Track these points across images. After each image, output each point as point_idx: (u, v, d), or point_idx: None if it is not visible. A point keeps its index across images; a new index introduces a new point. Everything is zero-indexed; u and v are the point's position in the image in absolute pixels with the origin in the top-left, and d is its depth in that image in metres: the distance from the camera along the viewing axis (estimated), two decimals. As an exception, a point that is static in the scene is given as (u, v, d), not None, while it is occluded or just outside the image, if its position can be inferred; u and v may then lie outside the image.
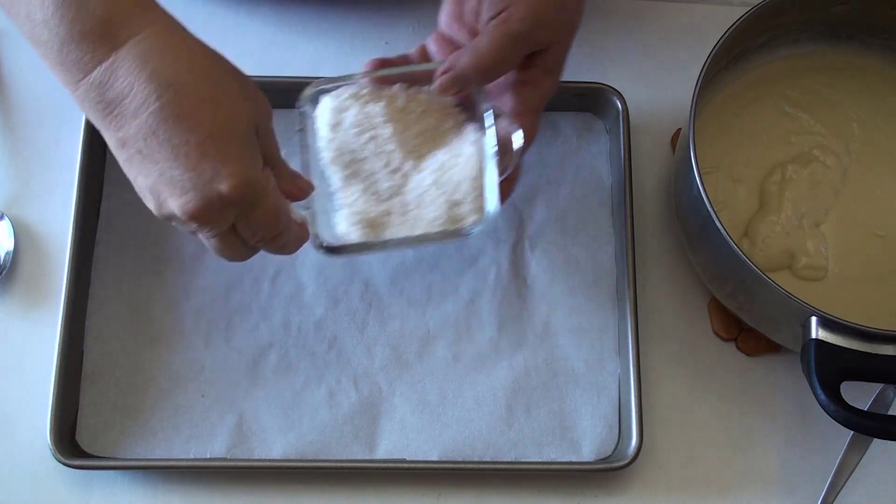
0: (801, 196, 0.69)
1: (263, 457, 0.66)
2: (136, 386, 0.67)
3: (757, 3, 0.66)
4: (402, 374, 0.68)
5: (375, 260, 0.71)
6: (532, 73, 0.62)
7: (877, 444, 0.65)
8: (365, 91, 0.62)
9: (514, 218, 0.72)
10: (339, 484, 0.66)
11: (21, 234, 0.72)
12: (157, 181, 0.51)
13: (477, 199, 0.60)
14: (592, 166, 0.73)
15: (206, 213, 0.52)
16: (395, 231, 0.61)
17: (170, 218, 0.53)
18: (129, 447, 0.66)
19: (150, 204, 0.53)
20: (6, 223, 0.72)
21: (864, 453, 0.65)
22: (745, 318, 0.68)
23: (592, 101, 0.74)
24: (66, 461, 0.64)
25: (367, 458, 0.66)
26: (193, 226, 0.53)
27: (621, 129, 0.71)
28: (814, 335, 0.59)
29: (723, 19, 0.66)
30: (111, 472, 0.66)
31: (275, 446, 0.66)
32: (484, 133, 0.61)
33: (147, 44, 0.50)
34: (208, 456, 0.66)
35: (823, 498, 0.65)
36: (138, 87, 0.50)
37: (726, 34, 0.65)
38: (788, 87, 0.73)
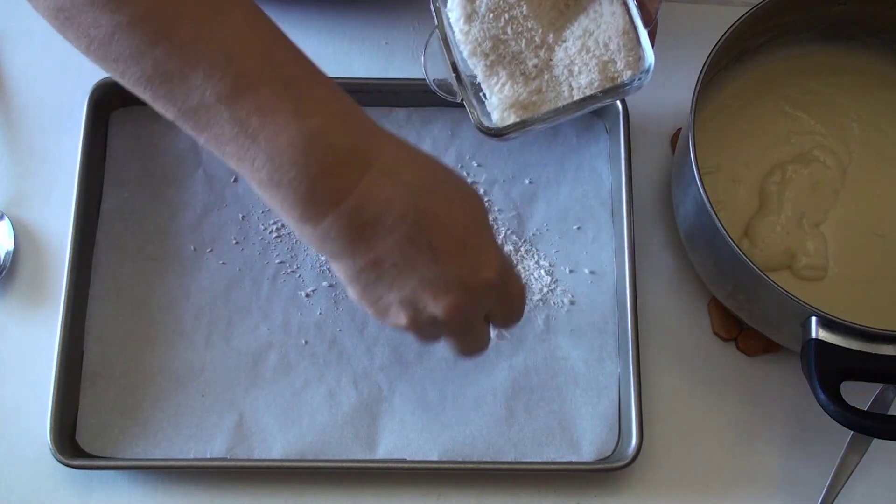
0: (801, 196, 0.69)
1: (263, 457, 0.66)
2: (136, 386, 0.67)
3: (757, 3, 0.66)
4: (402, 374, 0.68)
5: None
6: None
7: (877, 444, 0.65)
8: None
9: (514, 218, 0.72)
10: (339, 484, 0.66)
11: (21, 234, 0.72)
12: (414, 289, 0.52)
13: (629, 54, 0.61)
14: (592, 166, 0.73)
15: (471, 305, 0.53)
16: (552, 105, 0.61)
17: (425, 325, 0.54)
18: (129, 447, 0.66)
19: (402, 317, 0.54)
20: (6, 223, 0.72)
21: (863, 453, 0.65)
22: (745, 318, 0.67)
23: (592, 100, 0.74)
24: (66, 461, 0.64)
25: (367, 458, 0.66)
26: (454, 323, 0.54)
27: (621, 129, 0.71)
28: (814, 335, 0.59)
29: (723, 19, 0.66)
30: (111, 472, 0.66)
31: (275, 446, 0.66)
32: None
33: (391, 159, 0.51)
34: (208, 456, 0.66)
35: (823, 498, 0.65)
36: (396, 200, 0.50)
37: (726, 34, 0.65)
38: (788, 87, 0.73)
